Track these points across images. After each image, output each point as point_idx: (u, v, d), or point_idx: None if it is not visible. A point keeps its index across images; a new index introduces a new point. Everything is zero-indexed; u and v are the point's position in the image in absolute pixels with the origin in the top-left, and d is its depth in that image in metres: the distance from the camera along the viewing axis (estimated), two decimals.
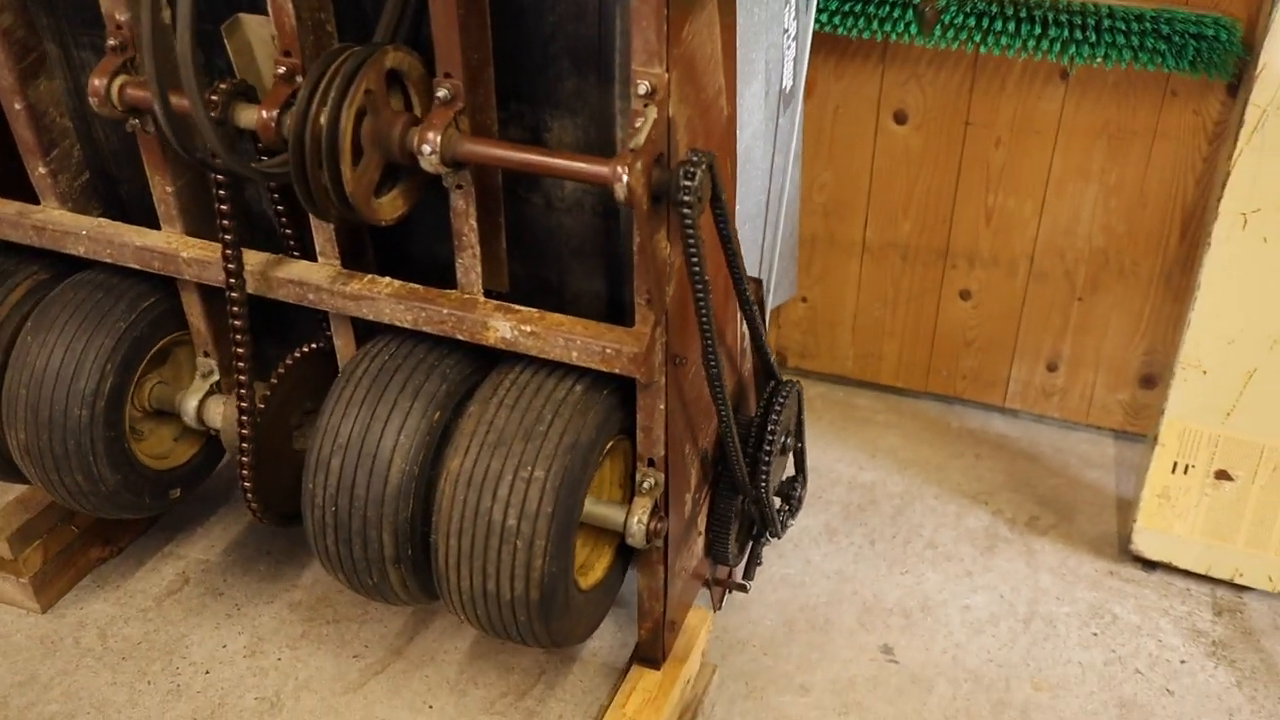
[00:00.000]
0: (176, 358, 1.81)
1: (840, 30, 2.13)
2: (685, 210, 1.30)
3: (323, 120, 1.32)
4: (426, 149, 1.35)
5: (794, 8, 1.93)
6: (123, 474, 1.72)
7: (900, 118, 2.29)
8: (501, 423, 1.48)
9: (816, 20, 2.09)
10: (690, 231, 1.32)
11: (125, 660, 2.01)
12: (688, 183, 1.29)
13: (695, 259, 1.35)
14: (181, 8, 1.20)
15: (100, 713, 1.90)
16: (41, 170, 1.68)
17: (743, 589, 2.00)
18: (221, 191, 1.46)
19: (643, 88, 1.27)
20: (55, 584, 2.10)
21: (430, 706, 1.94)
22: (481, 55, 1.39)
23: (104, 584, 2.16)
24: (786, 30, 1.92)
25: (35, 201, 1.74)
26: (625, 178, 1.27)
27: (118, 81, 1.48)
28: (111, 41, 1.49)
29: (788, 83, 1.98)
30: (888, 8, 2.10)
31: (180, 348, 1.81)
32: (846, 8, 2.11)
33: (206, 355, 1.77)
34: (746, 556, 1.99)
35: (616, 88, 1.42)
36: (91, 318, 1.67)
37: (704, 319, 1.43)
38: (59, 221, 1.68)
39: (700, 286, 1.39)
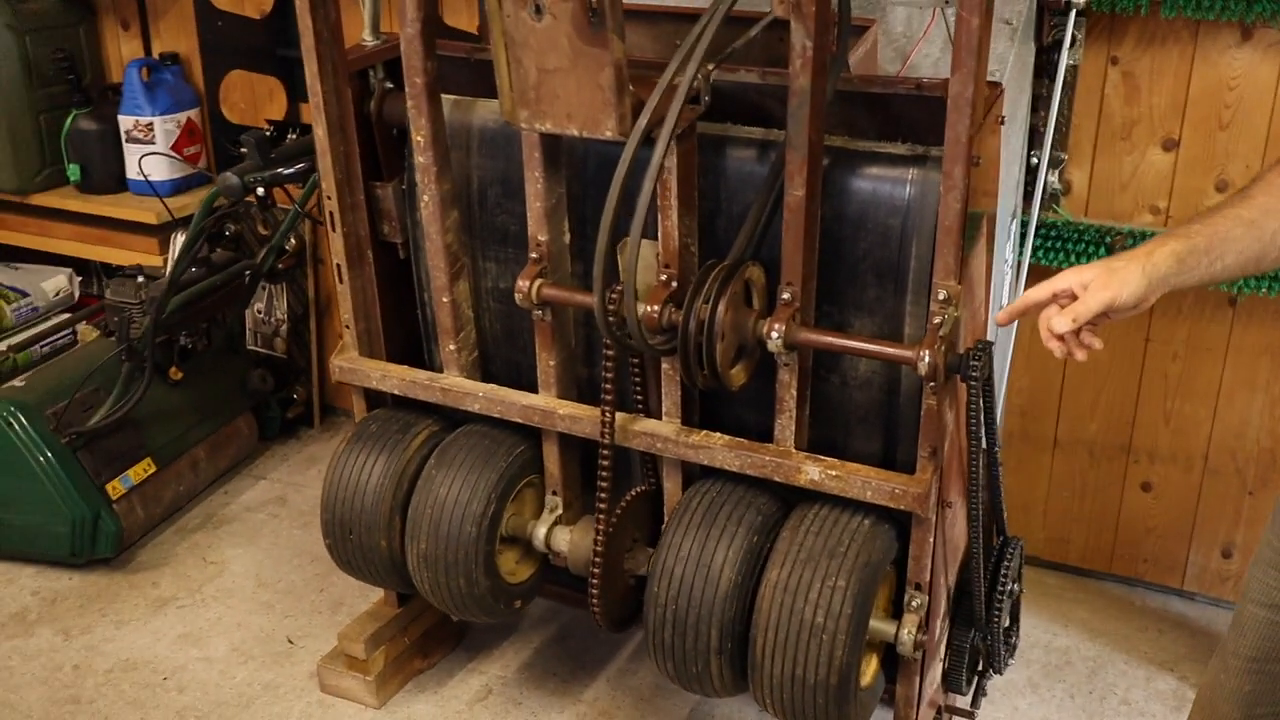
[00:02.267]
0: (523, 496, 2.31)
1: (1044, 261, 2.63)
2: (973, 384, 1.78)
3: (705, 313, 1.84)
4: (774, 335, 1.87)
5: (1014, 243, 2.45)
6: (491, 581, 2.21)
7: None
8: (810, 544, 1.94)
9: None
10: (975, 402, 1.79)
11: None
12: (976, 363, 1.77)
13: (975, 424, 1.82)
14: (632, 240, 1.75)
15: None
16: (451, 348, 2.24)
17: (969, 716, 2.35)
18: (608, 364, 2.00)
19: (942, 294, 1.78)
20: (389, 685, 2.57)
21: None
22: (810, 270, 1.92)
23: (423, 690, 2.61)
24: (1007, 260, 2.43)
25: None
26: (928, 357, 1.76)
27: (537, 283, 2.05)
28: (533, 255, 2.06)
29: (1007, 302, 2.47)
30: (1083, 245, 2.60)
31: (528, 489, 2.31)
32: (1049, 244, 2.62)
33: (554, 494, 2.27)
34: (973, 689, 2.35)
35: (908, 295, 1.93)
36: (481, 458, 2.19)
37: (973, 470, 1.88)
38: (462, 386, 2.23)
39: (974, 445, 1.85)
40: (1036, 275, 2.72)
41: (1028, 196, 2.54)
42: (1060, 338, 1.57)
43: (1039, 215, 2.61)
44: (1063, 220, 2.63)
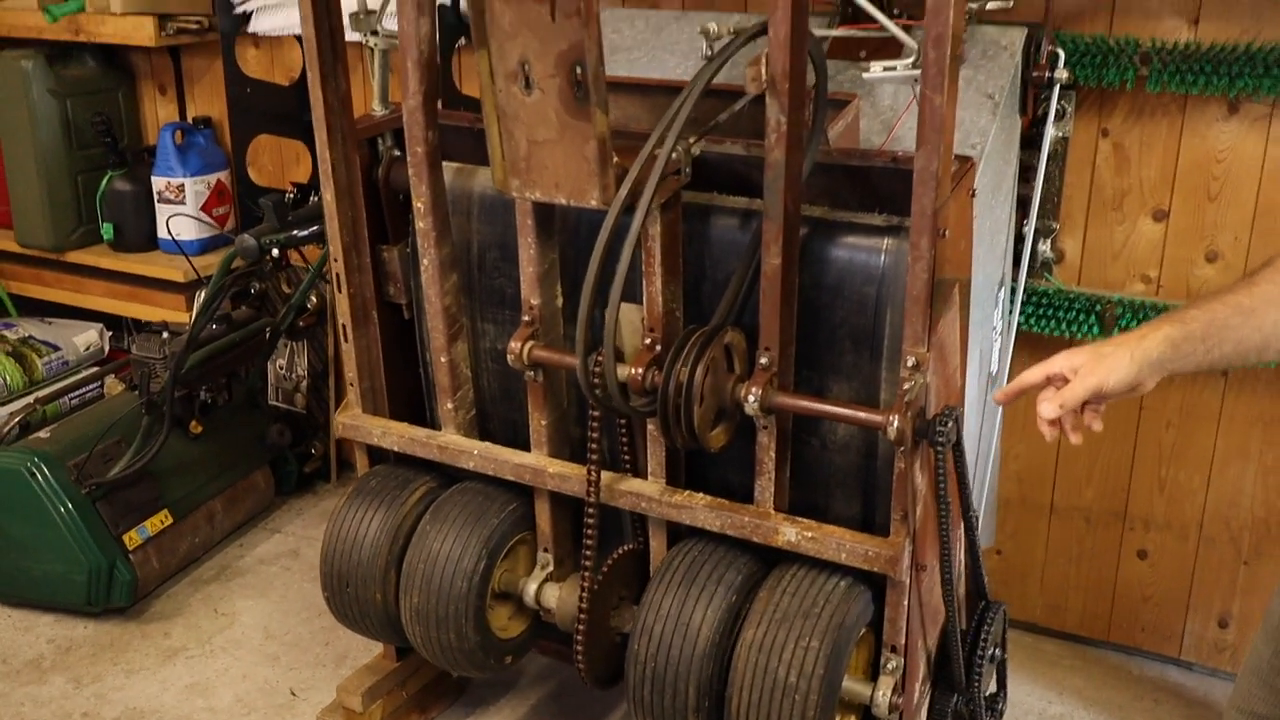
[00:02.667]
0: (516, 553, 2.36)
1: (1036, 329, 2.68)
2: (939, 449, 1.82)
3: (683, 376, 1.91)
4: (751, 399, 1.93)
5: (1002, 309, 2.50)
6: (481, 636, 2.26)
7: None
8: (786, 604, 1.98)
9: (1019, 320, 2.64)
10: (941, 466, 1.84)
11: None
12: (942, 429, 1.82)
13: (943, 487, 1.86)
14: (610, 306, 1.83)
15: None
16: (449, 406, 2.32)
17: None
18: (594, 424, 2.06)
19: (910, 361, 1.83)
20: None
21: None
22: (788, 336, 1.98)
23: None
24: (995, 327, 2.48)
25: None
26: (896, 422, 1.81)
27: (528, 345, 2.12)
28: (525, 318, 2.14)
29: (995, 368, 2.52)
30: (1075, 312, 2.64)
31: (521, 546, 2.36)
32: (1042, 312, 2.66)
33: (546, 551, 2.33)
34: None
35: (883, 362, 1.99)
36: (474, 515, 2.26)
37: (944, 534, 1.92)
38: (457, 444, 2.30)
39: (944, 509, 1.89)
40: (1030, 342, 2.77)
41: (1017, 264, 2.59)
42: (1053, 422, 1.59)
43: (1032, 283, 2.66)
44: (1054, 288, 2.67)
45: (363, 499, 2.36)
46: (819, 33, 2.22)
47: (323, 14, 2.17)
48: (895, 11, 2.31)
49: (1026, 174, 2.56)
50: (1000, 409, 2.62)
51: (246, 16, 3.42)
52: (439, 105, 2.19)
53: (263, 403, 3.68)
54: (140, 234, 3.72)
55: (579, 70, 1.80)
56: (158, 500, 3.17)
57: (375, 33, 2.32)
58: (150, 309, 3.74)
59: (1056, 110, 2.46)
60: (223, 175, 3.70)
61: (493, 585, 2.29)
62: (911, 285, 1.81)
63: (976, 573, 2.22)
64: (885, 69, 1.97)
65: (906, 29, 2.12)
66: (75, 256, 3.77)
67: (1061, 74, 2.36)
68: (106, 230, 3.73)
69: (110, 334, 4.01)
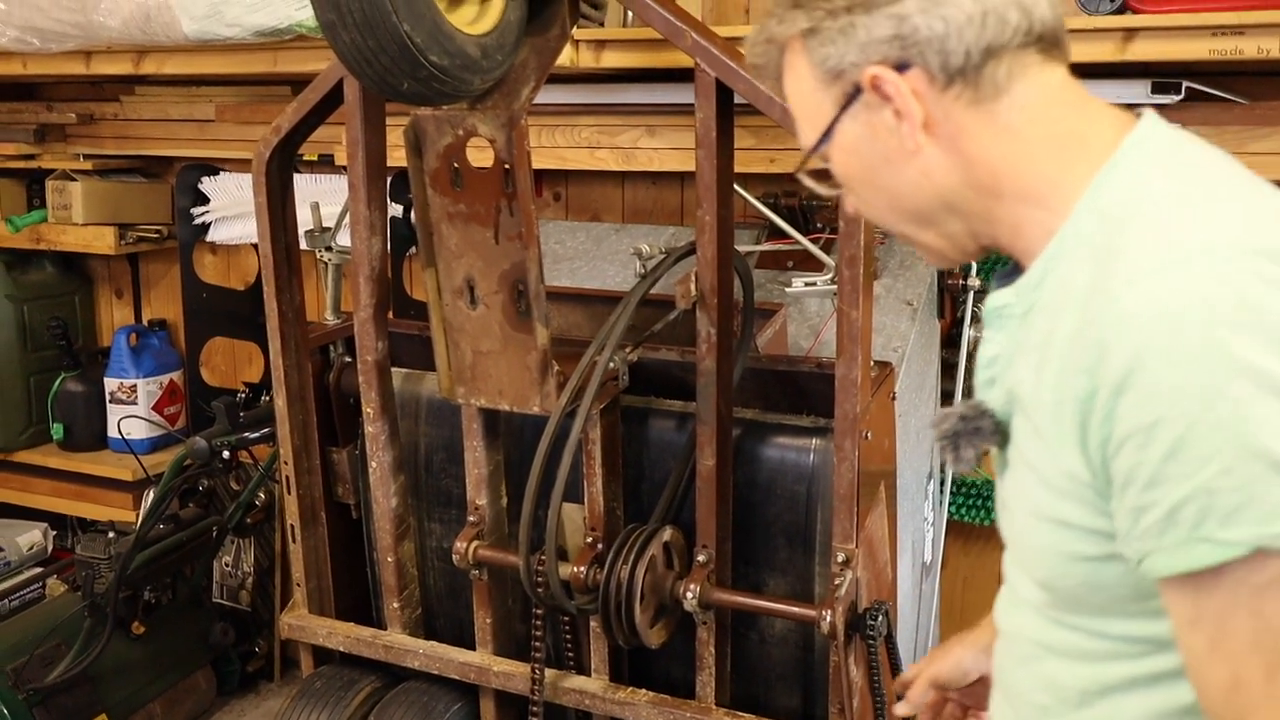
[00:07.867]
0: None
1: (966, 519, 2.78)
2: (871, 642, 1.89)
3: (624, 574, 1.97)
4: (690, 596, 1.99)
5: (932, 501, 2.60)
6: None
7: None
8: None
9: (949, 510, 2.75)
10: (874, 658, 1.90)
11: None
12: (873, 622, 1.89)
13: (877, 678, 1.92)
14: (552, 508, 1.91)
15: None
16: (395, 605, 2.35)
17: None
18: (538, 622, 2.11)
19: (840, 556, 1.92)
20: None
21: None
22: (724, 533, 2.06)
23: None
24: (926, 518, 2.58)
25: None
26: (829, 617, 1.88)
27: (473, 545, 2.18)
28: (471, 518, 2.21)
29: (928, 558, 2.60)
30: None
31: None
32: (971, 502, 2.77)
33: None
34: None
35: (816, 556, 2.07)
36: (418, 715, 2.26)
37: None
38: (403, 643, 2.33)
39: (879, 699, 1.94)
40: (961, 532, 2.87)
41: None
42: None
43: (960, 475, 2.78)
44: (982, 479, 2.79)
45: (307, 701, 2.36)
46: (745, 248, 2.39)
47: (279, 231, 2.30)
48: (818, 225, 2.50)
49: (949, 371, 2.71)
50: (935, 595, 2.69)
51: (205, 226, 3.56)
52: (389, 314, 2.31)
53: (207, 601, 3.65)
54: (90, 434, 3.76)
55: (521, 287, 1.93)
56: (96, 704, 3.11)
57: (329, 248, 2.46)
58: (98, 508, 3.74)
59: (972, 313, 2.62)
60: (175, 375, 3.78)
61: None
62: (839, 485, 1.91)
63: None
64: (806, 284, 2.12)
65: (829, 244, 2.29)
66: (23, 456, 3.79)
67: (974, 281, 2.54)
68: (57, 430, 3.76)
69: (55, 533, 3.99)
